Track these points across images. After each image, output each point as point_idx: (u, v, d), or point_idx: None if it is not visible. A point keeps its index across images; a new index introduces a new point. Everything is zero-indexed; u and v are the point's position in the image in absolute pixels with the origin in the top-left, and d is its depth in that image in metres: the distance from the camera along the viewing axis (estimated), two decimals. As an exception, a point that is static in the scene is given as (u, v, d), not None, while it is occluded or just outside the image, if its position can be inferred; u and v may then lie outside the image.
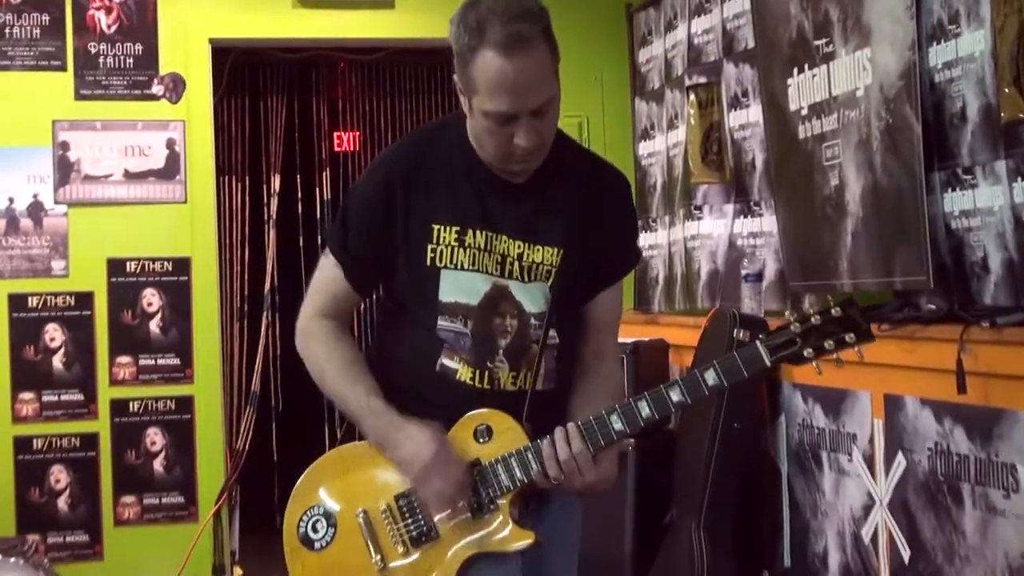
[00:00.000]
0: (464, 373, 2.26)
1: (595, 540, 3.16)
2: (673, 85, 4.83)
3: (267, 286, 5.93)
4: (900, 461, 3.10)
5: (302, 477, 2.38)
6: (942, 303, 2.98)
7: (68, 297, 5.12)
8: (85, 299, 5.14)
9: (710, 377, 2.18)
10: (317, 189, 6.24)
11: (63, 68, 5.12)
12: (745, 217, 4.19)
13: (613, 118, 5.51)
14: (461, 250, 2.25)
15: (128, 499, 5.15)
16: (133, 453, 5.16)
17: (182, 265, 5.23)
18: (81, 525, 5.10)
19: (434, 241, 2.25)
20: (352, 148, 6.43)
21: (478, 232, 2.26)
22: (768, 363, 2.17)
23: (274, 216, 5.98)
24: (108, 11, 5.15)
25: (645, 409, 2.19)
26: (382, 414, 2.26)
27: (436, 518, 2.25)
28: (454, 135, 2.29)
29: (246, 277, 5.85)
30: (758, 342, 2.17)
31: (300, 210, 6.33)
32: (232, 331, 5.76)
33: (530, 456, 2.22)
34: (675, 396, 2.19)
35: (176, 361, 5.22)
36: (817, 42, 3.52)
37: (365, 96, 6.30)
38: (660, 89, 4.99)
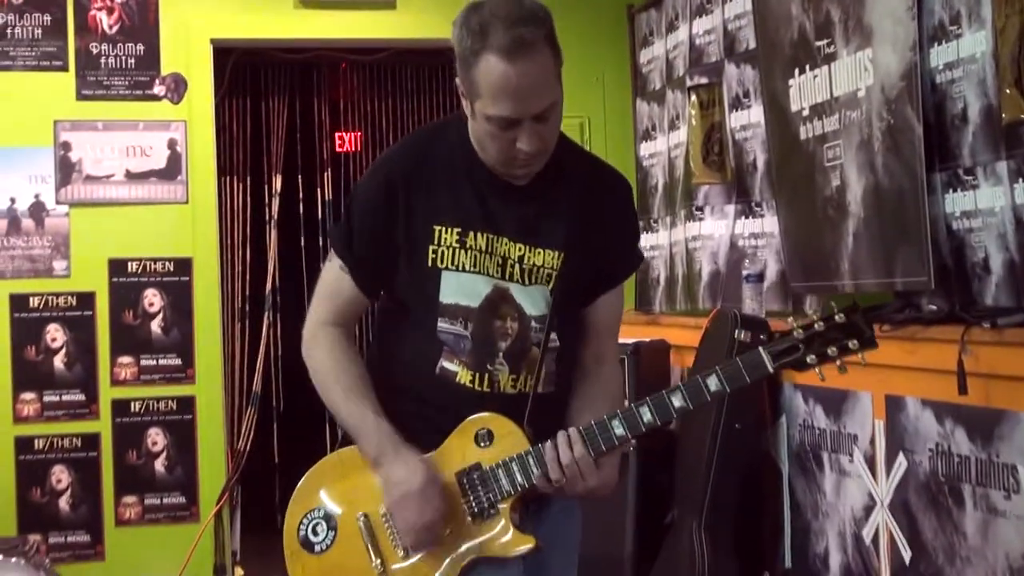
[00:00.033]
0: (464, 376, 2.25)
1: (596, 540, 3.16)
2: (674, 86, 4.83)
3: (268, 286, 5.93)
4: (901, 462, 3.10)
5: (302, 480, 2.36)
6: (943, 304, 2.98)
7: (69, 297, 5.12)
8: (86, 299, 5.14)
9: (712, 383, 2.17)
10: (319, 189, 6.23)
11: (65, 68, 5.13)
12: (746, 218, 4.19)
13: (614, 119, 5.51)
14: (462, 251, 2.24)
15: (129, 499, 5.15)
16: (134, 453, 5.16)
17: (183, 265, 5.23)
18: (82, 525, 5.10)
19: (435, 242, 2.24)
20: (354, 148, 6.42)
21: (479, 234, 2.24)
22: (771, 369, 2.16)
23: (275, 216, 5.98)
24: (110, 11, 5.15)
25: (647, 414, 2.19)
26: (387, 434, 2.24)
27: (407, 541, 2.23)
28: (455, 135, 2.28)
29: (247, 277, 5.85)
30: (761, 348, 2.16)
31: (302, 210, 6.32)
32: (233, 331, 5.75)
33: (531, 460, 2.20)
34: (677, 401, 2.18)
35: (177, 361, 5.22)
36: (818, 43, 3.52)
37: (367, 96, 6.29)
38: (661, 90, 4.99)
